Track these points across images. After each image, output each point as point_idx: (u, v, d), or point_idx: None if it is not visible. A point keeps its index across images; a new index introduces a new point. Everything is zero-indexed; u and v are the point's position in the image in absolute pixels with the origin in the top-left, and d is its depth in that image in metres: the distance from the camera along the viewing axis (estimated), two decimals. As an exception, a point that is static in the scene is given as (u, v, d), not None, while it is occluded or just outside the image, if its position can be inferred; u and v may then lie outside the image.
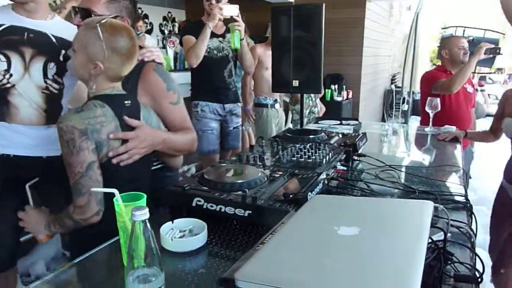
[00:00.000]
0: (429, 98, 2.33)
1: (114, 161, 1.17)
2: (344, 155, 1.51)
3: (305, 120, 3.78)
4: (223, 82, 2.87)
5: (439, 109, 2.30)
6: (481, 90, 9.92)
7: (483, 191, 4.07)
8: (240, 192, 1.05)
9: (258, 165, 1.33)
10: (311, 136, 1.69)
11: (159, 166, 1.48)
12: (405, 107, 6.59)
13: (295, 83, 2.73)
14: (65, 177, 1.16)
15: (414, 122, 7.06)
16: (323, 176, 1.19)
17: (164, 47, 4.48)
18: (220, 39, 2.84)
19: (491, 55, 2.77)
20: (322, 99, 4.79)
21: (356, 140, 1.62)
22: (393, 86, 7.61)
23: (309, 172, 1.23)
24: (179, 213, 1.07)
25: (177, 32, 5.73)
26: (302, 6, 2.76)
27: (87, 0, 1.30)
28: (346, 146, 1.57)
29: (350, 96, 5.70)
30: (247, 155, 1.42)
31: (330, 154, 1.44)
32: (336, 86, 5.60)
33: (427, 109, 2.31)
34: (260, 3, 5.26)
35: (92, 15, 1.28)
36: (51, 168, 1.56)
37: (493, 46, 2.78)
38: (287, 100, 4.06)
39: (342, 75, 5.70)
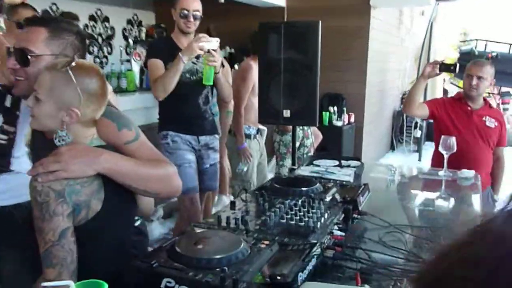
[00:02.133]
0: (442, 136, 2.43)
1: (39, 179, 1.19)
2: (343, 215, 1.58)
3: (297, 154, 3.84)
4: (197, 110, 2.92)
5: (455, 149, 2.39)
6: (504, 109, 10.02)
7: None
8: (218, 270, 1.09)
9: (241, 229, 1.37)
10: (303, 189, 1.75)
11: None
12: (417, 133, 6.75)
13: (286, 113, 2.82)
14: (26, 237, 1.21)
15: (430, 149, 7.24)
16: (317, 249, 1.24)
17: (128, 60, 4.55)
18: (195, 60, 2.90)
19: (442, 73, 2.85)
20: (319, 125, 4.90)
21: (357, 195, 1.69)
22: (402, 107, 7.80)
23: (300, 241, 1.28)
24: (145, 295, 1.11)
25: (144, 38, 5.81)
26: (295, 23, 2.88)
27: (23, 39, 1.35)
28: (345, 202, 1.64)
29: (352, 120, 5.84)
30: (227, 216, 1.47)
31: (326, 214, 1.50)
32: (336, 108, 5.73)
33: (440, 149, 2.41)
34: (246, 8, 5.40)
35: (29, 56, 1.33)
36: (3, 222, 1.60)
37: (443, 61, 2.84)
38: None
39: (343, 95, 5.84)
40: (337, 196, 1.73)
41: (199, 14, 2.85)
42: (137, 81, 4.33)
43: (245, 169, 3.68)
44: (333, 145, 5.55)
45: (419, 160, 6.79)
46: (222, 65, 2.91)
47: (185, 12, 2.81)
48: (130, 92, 4.09)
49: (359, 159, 2.58)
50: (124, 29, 5.79)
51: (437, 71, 2.85)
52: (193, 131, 2.95)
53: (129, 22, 5.89)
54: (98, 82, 1.29)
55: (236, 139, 3.54)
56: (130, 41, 5.56)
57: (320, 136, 4.29)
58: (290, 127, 3.64)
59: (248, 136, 3.64)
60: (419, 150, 7.20)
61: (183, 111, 2.89)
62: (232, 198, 4.05)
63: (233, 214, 1.51)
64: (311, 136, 3.94)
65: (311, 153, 3.85)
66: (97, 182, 1.27)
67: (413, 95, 2.94)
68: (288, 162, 3.77)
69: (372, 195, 2.01)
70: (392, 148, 7.79)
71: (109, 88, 1.63)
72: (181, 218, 3.10)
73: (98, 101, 1.30)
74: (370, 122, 6.31)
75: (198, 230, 1.37)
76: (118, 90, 4.17)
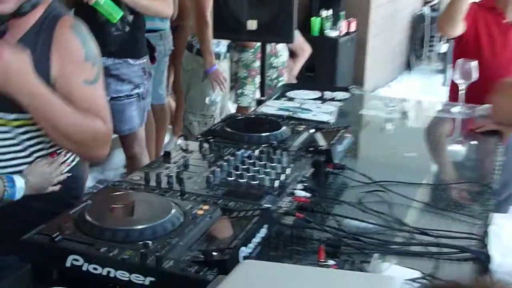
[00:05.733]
0: (459, 61, 2.52)
1: None
2: (312, 169, 1.69)
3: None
4: (93, 19, 2.79)
5: (474, 78, 2.49)
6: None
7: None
8: (139, 244, 1.21)
9: (175, 190, 1.48)
10: (263, 134, 1.85)
11: None
12: (443, 47, 6.85)
13: (252, 24, 2.87)
14: None
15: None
16: (269, 217, 1.36)
17: None
18: None
19: None
20: (307, 35, 4.94)
21: (331, 143, 1.79)
22: (426, 9, 7.81)
23: (249, 206, 1.40)
24: (48, 276, 1.22)
25: None
26: None
27: None
28: (316, 152, 1.75)
29: (352, 29, 5.88)
30: (158, 172, 1.57)
31: (289, 169, 1.61)
32: (330, 12, 5.74)
33: (455, 78, 2.51)
34: None
35: None
36: None
37: None
38: None
39: (340, -7, 5.85)
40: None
41: None
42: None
43: (218, 99, 3.76)
44: (325, 64, 5.63)
45: (444, 84, 6.93)
46: None
47: None
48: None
49: (347, 90, 2.69)
50: None
51: None
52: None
53: None
54: None
55: (204, 59, 3.58)
56: None
57: (308, 51, 4.34)
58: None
59: (217, 56, 3.68)
60: (444, 70, 7.32)
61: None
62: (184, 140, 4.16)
63: (167, 169, 1.61)
64: (284, 51, 3.98)
65: (284, 77, 3.92)
66: None
67: (457, 9, 2.74)
68: (249, 89, 3.87)
69: (358, 141, 2.13)
70: (408, 67, 7.91)
71: None
72: None
73: None
74: (378, 31, 6.36)
75: (118, 192, 1.47)
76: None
